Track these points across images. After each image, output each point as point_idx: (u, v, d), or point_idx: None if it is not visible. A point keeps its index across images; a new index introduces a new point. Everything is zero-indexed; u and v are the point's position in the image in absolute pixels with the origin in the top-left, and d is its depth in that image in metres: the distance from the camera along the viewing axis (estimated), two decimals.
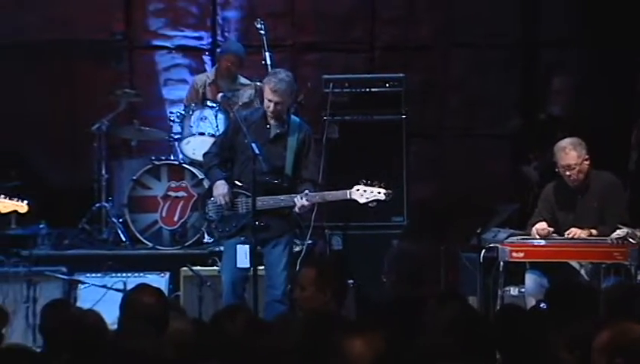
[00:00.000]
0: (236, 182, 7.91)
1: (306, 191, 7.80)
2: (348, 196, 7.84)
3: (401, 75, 9.95)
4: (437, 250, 9.04)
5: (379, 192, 7.82)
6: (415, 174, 10.15)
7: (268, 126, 7.92)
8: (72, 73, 10.95)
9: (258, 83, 9.51)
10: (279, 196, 7.80)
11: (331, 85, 9.79)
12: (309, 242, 9.10)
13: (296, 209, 7.81)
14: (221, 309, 5.56)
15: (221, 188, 7.89)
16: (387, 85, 9.81)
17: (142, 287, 5.37)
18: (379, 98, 9.79)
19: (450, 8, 11.09)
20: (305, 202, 7.76)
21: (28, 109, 10.74)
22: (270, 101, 7.88)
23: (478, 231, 8.84)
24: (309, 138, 8.04)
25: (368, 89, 9.82)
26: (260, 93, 8.97)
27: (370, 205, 7.85)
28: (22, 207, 7.57)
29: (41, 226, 9.66)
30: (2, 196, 7.52)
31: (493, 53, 11.07)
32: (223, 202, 7.88)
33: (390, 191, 7.86)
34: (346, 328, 4.32)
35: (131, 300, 5.25)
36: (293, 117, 8.09)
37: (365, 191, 7.80)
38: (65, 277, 8.87)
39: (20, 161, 10.34)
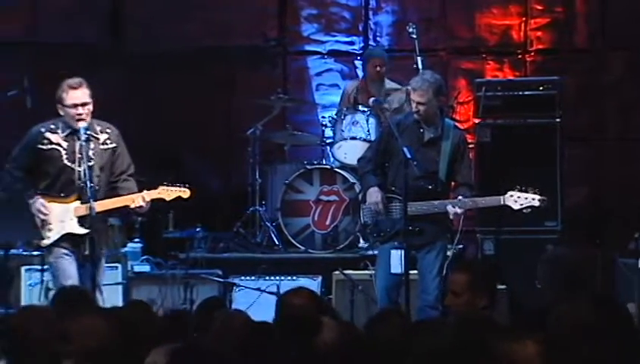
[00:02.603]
0: (391, 187, 7.91)
1: (460, 197, 7.74)
2: (502, 202, 7.74)
3: (556, 78, 9.82)
4: (592, 255, 8.88)
5: (533, 199, 7.69)
6: (570, 178, 9.99)
7: (421, 130, 7.88)
8: (228, 78, 11.16)
9: (409, 88, 9.51)
10: (433, 202, 7.76)
11: (484, 88, 9.73)
12: (460, 246, 9.05)
13: (450, 216, 7.77)
14: (375, 313, 5.57)
15: (374, 196, 7.88)
16: (541, 88, 9.69)
17: (296, 290, 5.43)
18: (533, 102, 9.67)
19: (606, 10, 10.88)
20: (458, 210, 7.70)
21: (186, 114, 10.99)
22: (413, 101, 7.87)
23: (636, 236, 8.64)
24: (464, 142, 7.97)
25: (521, 93, 9.72)
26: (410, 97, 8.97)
27: (524, 211, 7.75)
28: (185, 192, 7.69)
29: (197, 229, 9.86)
30: (164, 185, 7.68)
31: None
32: (376, 210, 7.89)
33: (544, 197, 7.72)
34: (501, 334, 4.29)
35: (283, 302, 5.32)
36: (446, 120, 8.04)
37: (519, 197, 7.68)
38: (220, 279, 9.02)
39: (178, 165, 10.58)
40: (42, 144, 7.54)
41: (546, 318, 4.89)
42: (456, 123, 8.39)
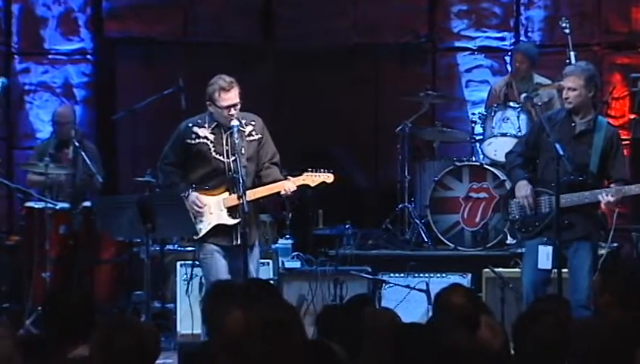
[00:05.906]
0: (540, 181, 7.78)
1: (612, 185, 7.58)
2: None
3: None
4: None
5: None
6: None
7: (573, 123, 7.75)
8: (377, 75, 11.17)
9: (560, 83, 9.35)
10: (583, 192, 7.60)
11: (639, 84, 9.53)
12: (615, 245, 8.84)
13: (602, 205, 7.61)
14: (525, 310, 5.49)
15: (523, 189, 7.78)
16: None
17: (454, 287, 5.38)
18: None
19: None
20: (610, 198, 7.52)
21: (335, 111, 11.05)
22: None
23: None
24: (617, 138, 7.81)
25: None
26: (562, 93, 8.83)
27: None
28: (329, 177, 7.79)
29: (346, 226, 9.91)
30: (308, 170, 7.78)
31: None
32: (526, 204, 7.78)
33: None
34: None
35: (442, 300, 5.29)
36: (599, 117, 7.88)
37: None
38: (370, 276, 9.04)
39: (327, 162, 10.61)
40: (191, 139, 7.73)
41: None
42: (609, 121, 8.22)
